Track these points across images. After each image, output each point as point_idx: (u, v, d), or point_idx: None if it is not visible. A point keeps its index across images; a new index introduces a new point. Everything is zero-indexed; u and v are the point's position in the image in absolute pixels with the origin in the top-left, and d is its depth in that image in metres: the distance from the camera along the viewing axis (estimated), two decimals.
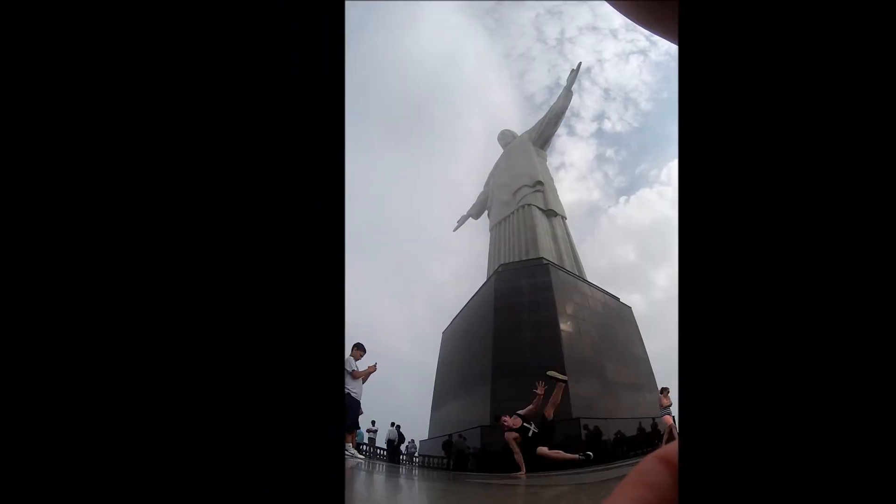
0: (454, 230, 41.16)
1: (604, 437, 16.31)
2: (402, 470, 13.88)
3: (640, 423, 17.69)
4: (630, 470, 0.36)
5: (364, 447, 20.23)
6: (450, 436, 19.09)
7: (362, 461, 11.02)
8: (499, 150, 36.78)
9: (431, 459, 21.22)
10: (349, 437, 9.84)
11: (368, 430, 23.60)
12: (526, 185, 30.63)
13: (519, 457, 9.75)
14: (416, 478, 10.11)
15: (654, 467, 0.35)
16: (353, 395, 9.07)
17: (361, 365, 9.32)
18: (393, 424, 23.11)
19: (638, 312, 26.59)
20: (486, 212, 35.52)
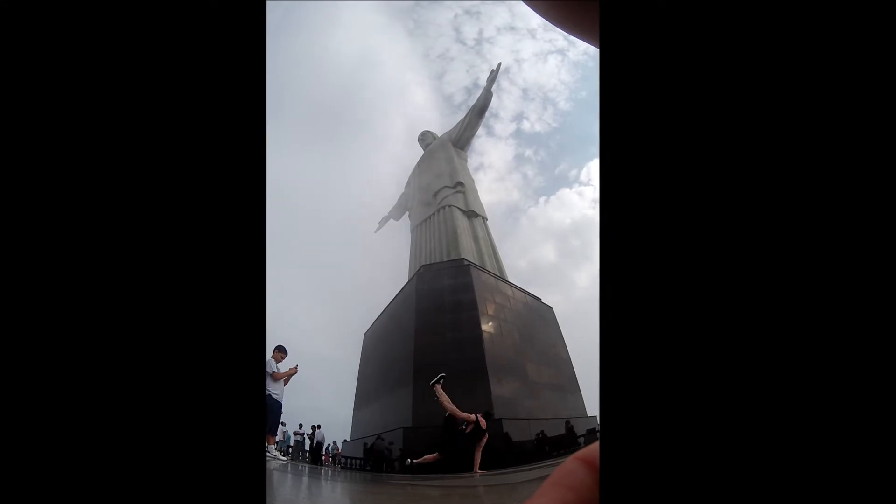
0: (375, 231, 41.14)
1: (524, 438, 16.54)
2: (328, 471, 13.73)
3: (566, 422, 18.03)
4: (552, 471, 0.36)
5: (288, 448, 19.98)
6: (378, 436, 18.97)
7: (284, 462, 10.90)
8: (419, 151, 36.91)
9: (354, 461, 21.04)
10: (270, 439, 9.77)
11: (295, 433, 23.32)
12: (446, 186, 30.80)
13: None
14: (339, 479, 10.02)
15: (575, 468, 0.35)
16: (274, 396, 9.03)
17: (283, 367, 9.28)
18: (319, 427, 22.84)
19: (559, 312, 27.11)
20: (406, 213, 35.56)
